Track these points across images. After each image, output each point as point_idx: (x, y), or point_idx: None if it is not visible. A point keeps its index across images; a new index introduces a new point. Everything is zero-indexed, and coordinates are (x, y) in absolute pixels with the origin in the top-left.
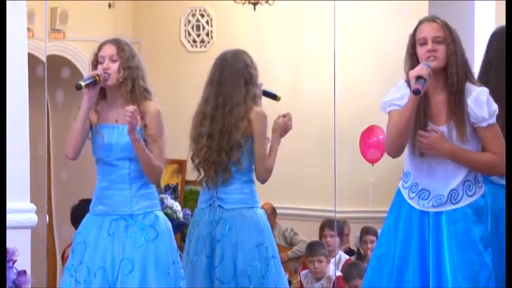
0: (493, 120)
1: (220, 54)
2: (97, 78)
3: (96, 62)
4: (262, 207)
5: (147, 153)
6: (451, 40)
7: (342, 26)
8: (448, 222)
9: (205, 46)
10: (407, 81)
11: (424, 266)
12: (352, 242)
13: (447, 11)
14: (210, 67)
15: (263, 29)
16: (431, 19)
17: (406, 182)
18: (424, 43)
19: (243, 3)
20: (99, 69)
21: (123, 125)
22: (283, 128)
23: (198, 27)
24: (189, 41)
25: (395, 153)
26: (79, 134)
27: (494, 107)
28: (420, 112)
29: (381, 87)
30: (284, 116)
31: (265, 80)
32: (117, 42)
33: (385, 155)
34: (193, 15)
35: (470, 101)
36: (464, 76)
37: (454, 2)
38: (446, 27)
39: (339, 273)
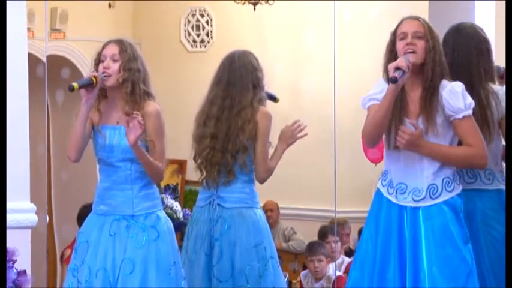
0: (469, 112)
1: (228, 55)
2: (93, 80)
3: (98, 61)
4: (266, 204)
5: (148, 158)
6: (430, 37)
7: (342, 26)
8: (425, 218)
9: (205, 46)
10: (386, 79)
11: (404, 263)
12: (352, 242)
13: (447, 11)
14: (216, 67)
15: (263, 29)
16: (413, 17)
17: (384, 180)
18: (404, 38)
19: (243, 3)
20: (100, 69)
21: None
22: (289, 137)
23: (198, 27)
24: (189, 41)
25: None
26: (80, 136)
27: (470, 99)
28: (397, 108)
29: None
30: (292, 124)
31: (266, 80)
32: (120, 43)
33: None
34: (193, 15)
35: (445, 93)
36: (440, 74)
37: (454, 2)
38: (427, 25)
39: (339, 274)
